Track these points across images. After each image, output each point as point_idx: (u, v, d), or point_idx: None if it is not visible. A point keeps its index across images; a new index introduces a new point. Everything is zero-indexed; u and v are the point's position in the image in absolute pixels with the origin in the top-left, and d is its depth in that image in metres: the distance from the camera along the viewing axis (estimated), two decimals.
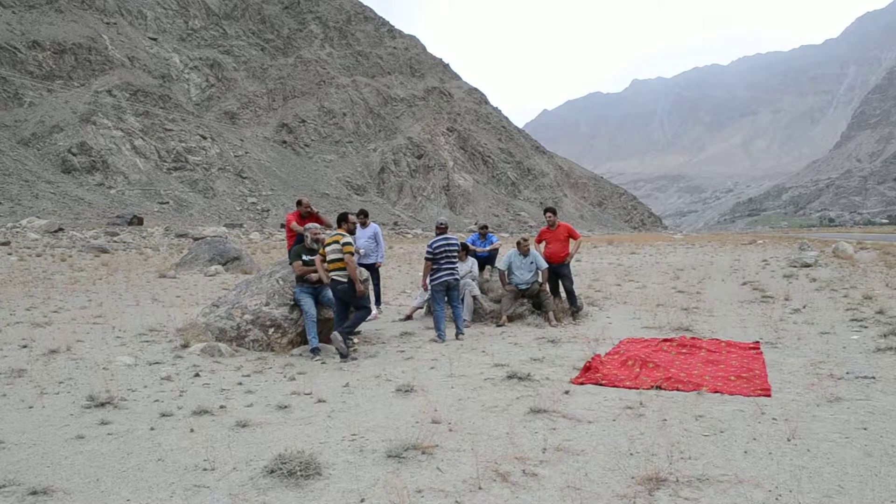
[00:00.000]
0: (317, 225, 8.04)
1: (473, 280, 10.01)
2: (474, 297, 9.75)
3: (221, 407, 5.12)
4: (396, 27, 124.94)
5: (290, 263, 7.83)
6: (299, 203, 9.39)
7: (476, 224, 13.48)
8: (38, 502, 3.34)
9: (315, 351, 7.27)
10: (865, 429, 4.25)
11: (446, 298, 8.69)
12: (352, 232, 7.77)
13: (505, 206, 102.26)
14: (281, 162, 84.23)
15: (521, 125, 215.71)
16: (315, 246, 7.74)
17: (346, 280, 7.31)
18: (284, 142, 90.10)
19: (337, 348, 7.15)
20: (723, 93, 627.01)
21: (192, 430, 4.50)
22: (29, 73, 68.30)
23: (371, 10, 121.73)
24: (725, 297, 12.09)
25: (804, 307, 10.08)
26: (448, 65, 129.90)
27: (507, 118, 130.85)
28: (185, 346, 7.41)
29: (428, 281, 8.87)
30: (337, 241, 7.35)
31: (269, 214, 68.27)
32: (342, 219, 8.04)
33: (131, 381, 5.99)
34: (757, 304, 10.79)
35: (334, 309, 7.69)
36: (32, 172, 55.33)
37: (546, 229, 10.23)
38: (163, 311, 10.60)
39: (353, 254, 7.33)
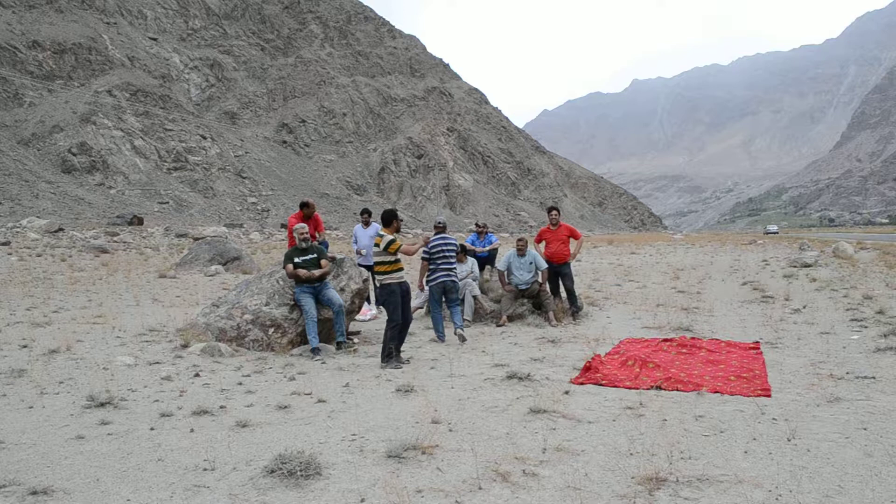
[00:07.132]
0: (304, 226, 7.99)
1: (474, 280, 10.01)
2: (475, 297, 9.75)
3: (221, 407, 5.12)
4: (396, 27, 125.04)
5: (283, 267, 7.81)
6: (305, 205, 8.95)
7: (475, 224, 13.33)
8: (38, 502, 3.33)
9: (315, 351, 7.27)
10: (865, 429, 4.24)
11: (444, 300, 8.49)
12: (398, 230, 7.44)
13: (505, 206, 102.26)
14: (281, 162, 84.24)
15: (521, 125, 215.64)
16: (304, 245, 7.75)
17: (378, 285, 7.30)
18: (284, 142, 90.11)
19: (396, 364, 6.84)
20: (723, 93, 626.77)
21: (192, 431, 4.49)
22: (29, 73, 68.32)
23: (371, 10, 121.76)
24: (725, 297, 12.08)
25: (804, 307, 10.08)
26: (448, 65, 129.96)
27: (507, 118, 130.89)
28: (185, 346, 7.41)
29: (425, 282, 8.73)
30: (377, 245, 7.19)
31: (269, 214, 68.29)
32: (391, 218, 7.35)
33: (131, 381, 5.98)
34: (757, 304, 10.79)
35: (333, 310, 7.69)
36: (32, 172, 55.33)
37: (547, 228, 10.20)
38: (163, 311, 10.59)
39: (397, 250, 7.10)
